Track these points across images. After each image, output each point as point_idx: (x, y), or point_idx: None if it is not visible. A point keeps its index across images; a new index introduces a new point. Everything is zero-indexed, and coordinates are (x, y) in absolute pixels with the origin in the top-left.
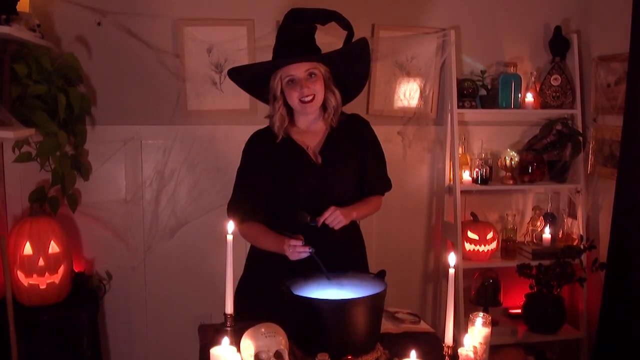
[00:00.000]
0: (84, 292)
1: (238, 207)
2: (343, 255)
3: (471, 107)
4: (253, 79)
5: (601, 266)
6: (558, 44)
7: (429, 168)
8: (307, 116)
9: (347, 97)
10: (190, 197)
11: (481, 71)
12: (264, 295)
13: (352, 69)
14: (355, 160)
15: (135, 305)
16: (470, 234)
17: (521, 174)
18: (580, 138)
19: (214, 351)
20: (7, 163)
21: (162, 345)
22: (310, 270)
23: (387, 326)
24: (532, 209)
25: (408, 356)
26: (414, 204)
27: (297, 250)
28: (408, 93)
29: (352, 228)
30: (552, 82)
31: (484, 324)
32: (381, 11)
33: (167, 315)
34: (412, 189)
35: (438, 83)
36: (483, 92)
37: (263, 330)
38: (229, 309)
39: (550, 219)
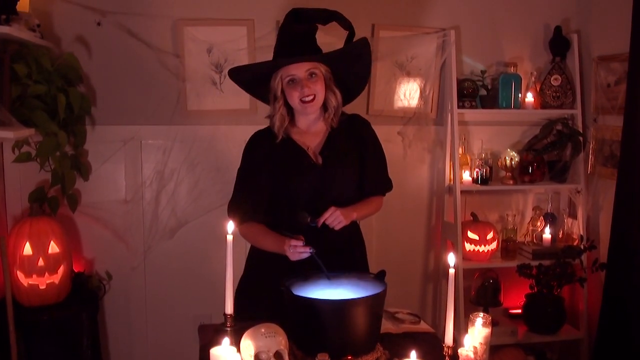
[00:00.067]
0: (84, 293)
1: (238, 207)
2: (343, 255)
3: (471, 107)
4: (253, 79)
5: (601, 266)
6: (558, 44)
7: (429, 168)
8: (307, 116)
9: (347, 98)
10: (190, 197)
11: (481, 71)
12: (264, 296)
13: (352, 69)
14: (356, 160)
15: (135, 306)
16: (471, 234)
17: (521, 174)
18: (581, 138)
19: (214, 351)
20: (7, 163)
21: (162, 345)
22: (311, 271)
23: (387, 326)
24: (532, 209)
25: (408, 356)
26: (414, 204)
27: (298, 250)
28: (408, 93)
29: (353, 228)
30: (552, 82)
31: (484, 324)
32: (381, 11)
33: (167, 315)
34: (412, 189)
35: (438, 83)
36: (483, 92)
37: (263, 330)
38: (229, 309)
39: (551, 219)
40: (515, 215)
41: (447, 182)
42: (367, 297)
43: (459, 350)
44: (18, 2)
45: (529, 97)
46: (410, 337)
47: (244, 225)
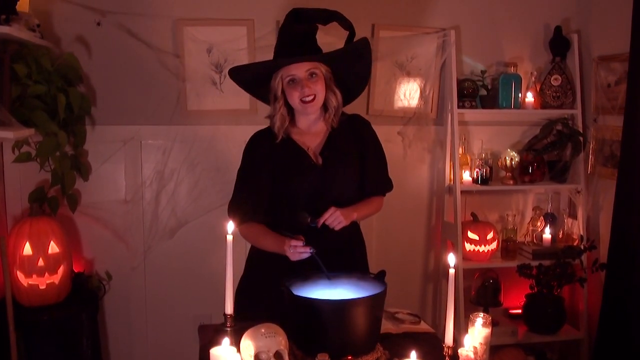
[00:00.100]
0: (84, 293)
1: (238, 207)
2: (343, 255)
3: (471, 107)
4: (254, 79)
5: (601, 266)
6: (558, 44)
7: (429, 168)
8: (307, 116)
9: (348, 98)
10: (190, 197)
11: (481, 71)
12: (264, 296)
13: (353, 69)
14: (356, 160)
15: (135, 306)
16: (471, 234)
17: (521, 174)
18: (581, 138)
19: (214, 351)
20: (6, 163)
21: (162, 345)
22: (311, 271)
23: (387, 326)
24: (533, 209)
25: (408, 356)
26: (414, 204)
27: (298, 250)
28: (408, 93)
29: (353, 228)
30: (552, 82)
31: (484, 324)
32: (381, 11)
33: (167, 315)
34: (412, 189)
35: (438, 83)
36: (483, 92)
37: (263, 330)
38: (229, 309)
39: (551, 219)
40: (515, 215)
41: (447, 182)
42: (367, 297)
43: (459, 351)
44: (18, 2)
45: (529, 97)
46: (410, 337)
47: (244, 225)
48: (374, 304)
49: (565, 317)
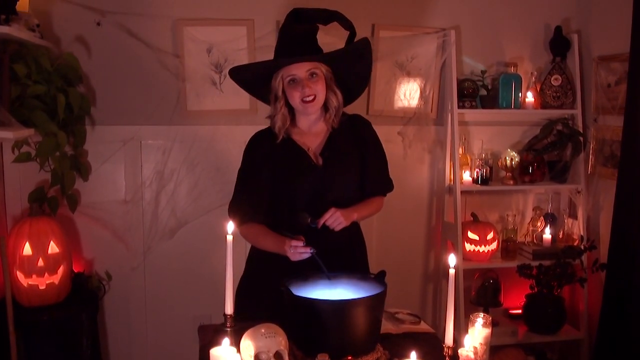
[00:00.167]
0: (84, 293)
1: (239, 208)
2: (343, 255)
3: (471, 107)
4: (254, 79)
5: (601, 266)
6: (558, 44)
7: (429, 168)
8: (308, 116)
9: (348, 98)
10: (190, 197)
11: (481, 71)
12: (264, 296)
13: (353, 69)
14: (357, 161)
15: (134, 306)
16: (471, 235)
17: (521, 174)
18: (581, 138)
19: (214, 352)
20: (6, 163)
21: (161, 345)
22: (311, 271)
23: (387, 327)
24: (533, 210)
25: (408, 357)
26: (414, 204)
27: (299, 251)
28: (408, 93)
29: (353, 228)
30: (552, 82)
31: (484, 325)
32: (381, 11)
33: (167, 315)
34: (413, 189)
35: (438, 83)
36: (483, 92)
37: (263, 330)
38: (229, 309)
39: (551, 219)
40: (515, 216)
41: (447, 182)
42: (367, 297)
43: (459, 351)
44: (17, 2)
45: (529, 97)
46: (410, 337)
47: (245, 225)
48: (374, 304)
49: (566, 317)
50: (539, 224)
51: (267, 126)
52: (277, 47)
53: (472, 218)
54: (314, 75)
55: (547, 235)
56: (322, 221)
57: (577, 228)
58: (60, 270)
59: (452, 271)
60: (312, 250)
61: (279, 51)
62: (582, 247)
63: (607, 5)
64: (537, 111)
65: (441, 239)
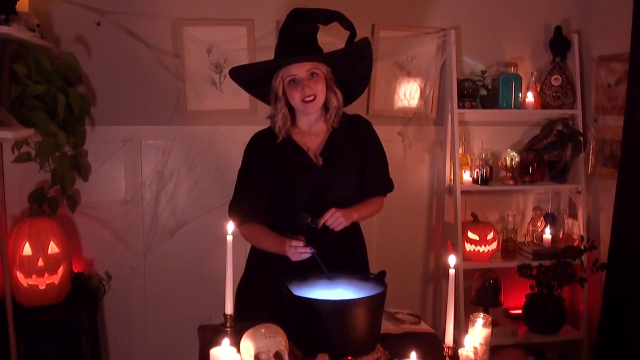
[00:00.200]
0: (84, 293)
1: (239, 208)
2: (343, 255)
3: (471, 107)
4: (254, 79)
5: (602, 267)
6: (558, 44)
7: (429, 168)
8: (308, 116)
9: (348, 98)
10: (190, 197)
11: (481, 71)
12: (265, 296)
13: (354, 69)
14: (357, 161)
15: (134, 306)
16: (471, 235)
17: (522, 174)
18: (581, 138)
19: (214, 352)
20: (6, 163)
21: (161, 345)
22: (311, 271)
23: (387, 327)
24: (533, 210)
25: (408, 357)
26: (414, 204)
27: (299, 251)
28: (408, 93)
29: (353, 228)
30: (552, 82)
31: (485, 325)
32: (381, 11)
33: (167, 315)
34: (413, 189)
35: (438, 83)
36: (483, 92)
37: (263, 330)
38: (229, 309)
39: (551, 219)
40: (515, 216)
41: (447, 182)
42: (367, 297)
43: (459, 351)
44: (17, 2)
45: (529, 97)
46: (410, 337)
47: (245, 226)
48: (374, 304)
49: (566, 317)
50: (539, 224)
51: (267, 126)
52: (277, 47)
53: (472, 218)
54: (314, 75)
55: (547, 235)
56: (322, 221)
57: (577, 228)
58: (60, 270)
59: (452, 271)
60: (312, 251)
61: (279, 51)
62: (582, 247)
63: (607, 5)
64: (537, 111)
65: (441, 239)
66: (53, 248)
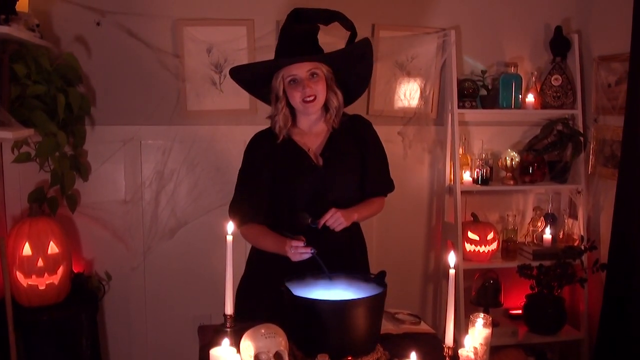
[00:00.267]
0: (84, 293)
1: (239, 208)
2: (344, 255)
3: (472, 107)
4: (255, 79)
5: (602, 267)
6: (559, 44)
7: (429, 168)
8: (308, 117)
9: (349, 99)
10: (190, 197)
11: (482, 71)
12: (264, 296)
13: (354, 70)
14: (357, 161)
15: (134, 306)
16: (471, 235)
17: (522, 174)
18: (581, 138)
19: (214, 352)
20: (6, 163)
21: (161, 346)
22: (311, 271)
23: (387, 327)
24: (533, 210)
25: (408, 357)
26: (415, 205)
27: (299, 251)
28: (408, 93)
29: (354, 229)
30: (552, 82)
31: (485, 325)
32: (381, 11)
33: (167, 315)
34: (413, 189)
35: (438, 83)
36: (483, 92)
37: (263, 331)
38: (229, 309)
39: (551, 219)
40: (515, 216)
41: (447, 182)
42: (367, 297)
43: (460, 351)
44: (17, 2)
45: (530, 97)
46: (410, 337)
47: (245, 226)
48: (374, 304)
49: (566, 317)
50: (539, 224)
51: (267, 126)
52: (278, 47)
53: (472, 218)
54: (315, 76)
55: (548, 235)
56: (322, 221)
57: (577, 228)
58: (60, 270)
59: (452, 271)
60: (312, 251)
61: (280, 51)
62: (583, 247)
63: (607, 5)
64: (537, 111)
65: (441, 239)
66: (53, 248)
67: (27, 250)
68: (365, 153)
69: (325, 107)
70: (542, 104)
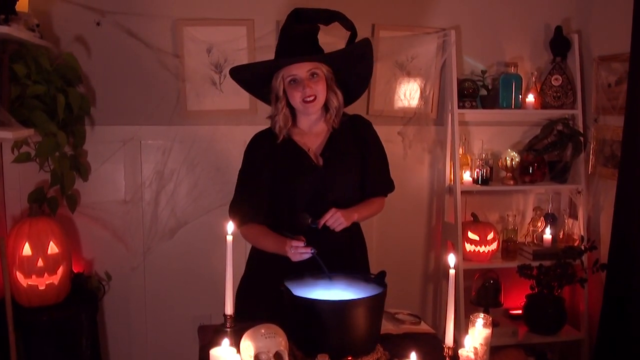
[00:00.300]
0: (83, 293)
1: (239, 208)
2: (344, 255)
3: (472, 107)
4: (255, 79)
5: (602, 267)
6: (559, 44)
7: (429, 168)
8: (308, 117)
9: (349, 99)
10: (190, 197)
11: (482, 71)
12: (265, 296)
13: (354, 70)
14: (357, 161)
15: (134, 306)
16: (471, 235)
17: (522, 174)
18: (581, 138)
19: (214, 352)
20: (6, 163)
21: (161, 346)
22: (311, 271)
23: (387, 327)
24: (533, 210)
25: (408, 357)
26: (415, 205)
27: (299, 251)
28: (408, 93)
29: (354, 229)
30: (552, 82)
31: (485, 325)
32: (381, 11)
33: (167, 316)
34: (413, 190)
35: (438, 83)
36: (484, 92)
37: (263, 331)
38: (229, 309)
39: (551, 219)
40: (515, 216)
41: (447, 182)
42: (367, 297)
43: (460, 351)
44: (17, 2)
45: (530, 97)
46: (410, 337)
47: (245, 226)
48: (374, 304)
49: (566, 317)
50: (539, 224)
51: (267, 126)
52: (278, 47)
53: (472, 218)
54: (315, 76)
55: (548, 235)
56: (322, 221)
57: (577, 228)
58: (60, 270)
59: (452, 271)
60: (312, 251)
61: (280, 51)
62: (583, 247)
63: (607, 5)
64: (537, 111)
65: (441, 239)
66: (53, 248)
67: (27, 250)
68: (366, 153)
69: (326, 107)
70: (542, 104)
